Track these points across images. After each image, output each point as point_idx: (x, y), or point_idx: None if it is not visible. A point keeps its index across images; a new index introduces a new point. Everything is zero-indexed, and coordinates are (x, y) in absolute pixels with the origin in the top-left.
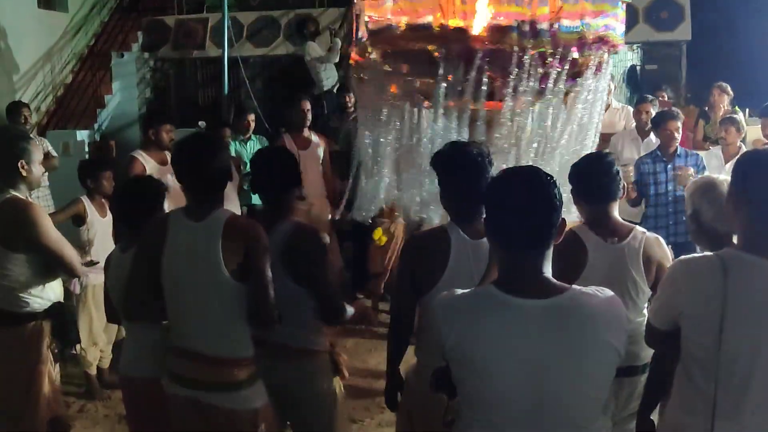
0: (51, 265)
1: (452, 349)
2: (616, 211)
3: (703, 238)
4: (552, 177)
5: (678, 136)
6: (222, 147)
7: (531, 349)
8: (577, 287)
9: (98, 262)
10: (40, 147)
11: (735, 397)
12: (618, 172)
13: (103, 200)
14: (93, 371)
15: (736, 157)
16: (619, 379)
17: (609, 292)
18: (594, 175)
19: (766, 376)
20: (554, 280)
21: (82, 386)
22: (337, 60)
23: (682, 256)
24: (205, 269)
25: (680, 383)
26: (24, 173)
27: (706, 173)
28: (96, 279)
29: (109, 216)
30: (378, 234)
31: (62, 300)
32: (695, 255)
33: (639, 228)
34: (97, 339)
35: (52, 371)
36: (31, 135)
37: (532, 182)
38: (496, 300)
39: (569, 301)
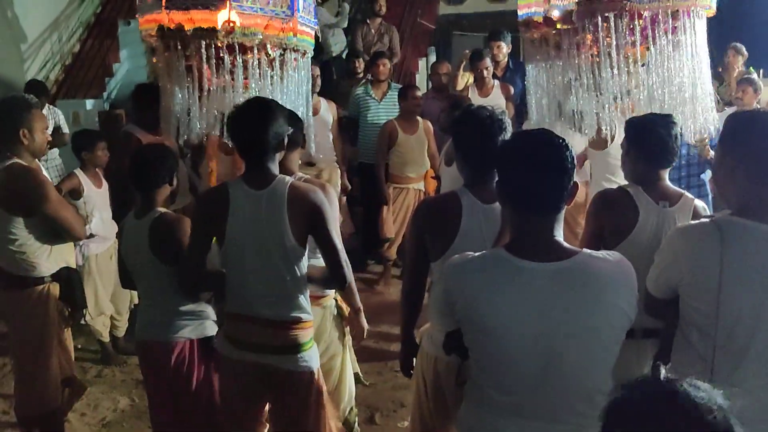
0: (55, 230)
1: (462, 311)
2: (667, 175)
3: None
4: (564, 140)
5: None
6: (277, 112)
7: (540, 312)
8: (587, 251)
9: (97, 235)
10: (44, 115)
11: (734, 361)
12: (675, 136)
13: (97, 171)
14: (106, 338)
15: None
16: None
17: (618, 256)
18: (658, 136)
19: (766, 340)
20: (565, 244)
21: (98, 353)
22: (345, 25)
23: (679, 224)
24: (271, 237)
25: (678, 349)
26: (26, 141)
27: None
28: (97, 249)
29: (105, 186)
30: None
31: (73, 266)
32: (691, 222)
33: (688, 194)
34: (104, 308)
35: (62, 334)
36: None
37: (544, 145)
38: (506, 263)
39: (578, 264)
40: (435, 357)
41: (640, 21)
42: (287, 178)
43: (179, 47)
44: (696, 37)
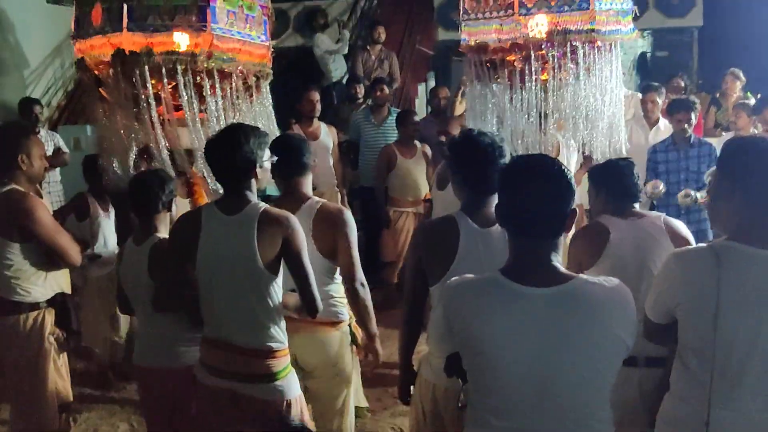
0: (51, 256)
1: (459, 334)
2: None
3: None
4: (563, 166)
5: (687, 126)
6: (249, 137)
7: (534, 337)
8: (584, 276)
9: (101, 256)
10: (41, 141)
11: (731, 385)
12: (636, 176)
13: (105, 195)
14: (105, 362)
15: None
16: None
17: (616, 281)
18: (627, 179)
19: (762, 364)
20: (562, 269)
21: (97, 377)
22: (346, 51)
23: (676, 249)
24: (240, 263)
25: (677, 373)
26: (24, 167)
27: None
28: (99, 271)
29: (112, 211)
30: None
31: (68, 291)
32: (688, 247)
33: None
34: (104, 332)
35: (57, 360)
36: (42, 130)
37: (544, 171)
38: (502, 287)
39: (574, 290)
40: (433, 384)
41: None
42: (261, 204)
43: (138, 76)
44: (612, 65)
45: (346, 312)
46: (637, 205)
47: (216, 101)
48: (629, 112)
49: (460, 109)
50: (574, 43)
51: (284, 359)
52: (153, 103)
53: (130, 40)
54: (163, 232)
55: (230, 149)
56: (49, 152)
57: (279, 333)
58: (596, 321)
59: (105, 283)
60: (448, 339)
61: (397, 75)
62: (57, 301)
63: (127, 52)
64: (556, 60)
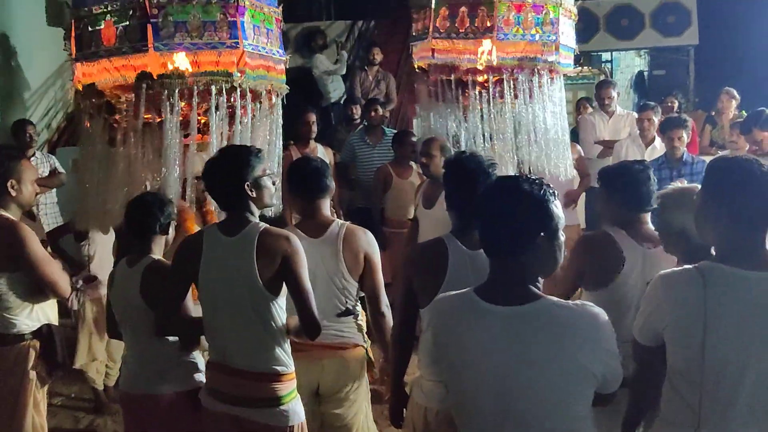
0: (39, 286)
1: (436, 352)
2: (648, 218)
3: (689, 253)
4: (541, 187)
5: (680, 143)
6: (250, 158)
7: (497, 354)
8: (553, 298)
9: (97, 277)
10: (33, 166)
11: (722, 409)
12: (652, 179)
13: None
14: (100, 386)
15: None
16: None
17: (591, 309)
18: (639, 182)
19: (754, 388)
20: (533, 289)
21: (91, 402)
22: (344, 72)
23: (662, 271)
24: (240, 284)
25: (667, 396)
26: (14, 193)
27: None
28: (93, 294)
29: (111, 233)
30: None
31: (55, 322)
32: (674, 269)
33: None
34: (97, 354)
35: (37, 394)
36: (38, 152)
37: (513, 191)
38: (473, 304)
39: (538, 310)
40: (425, 407)
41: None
42: (261, 224)
43: (166, 99)
44: (554, 91)
45: (362, 335)
46: (648, 216)
47: (245, 122)
48: (625, 131)
49: None
50: (541, 71)
51: (290, 383)
52: (176, 127)
53: (157, 61)
54: (158, 255)
55: (222, 170)
56: (45, 174)
57: (284, 356)
58: (558, 344)
59: (99, 306)
60: (436, 357)
61: (394, 96)
62: (43, 333)
63: (155, 75)
64: (525, 84)
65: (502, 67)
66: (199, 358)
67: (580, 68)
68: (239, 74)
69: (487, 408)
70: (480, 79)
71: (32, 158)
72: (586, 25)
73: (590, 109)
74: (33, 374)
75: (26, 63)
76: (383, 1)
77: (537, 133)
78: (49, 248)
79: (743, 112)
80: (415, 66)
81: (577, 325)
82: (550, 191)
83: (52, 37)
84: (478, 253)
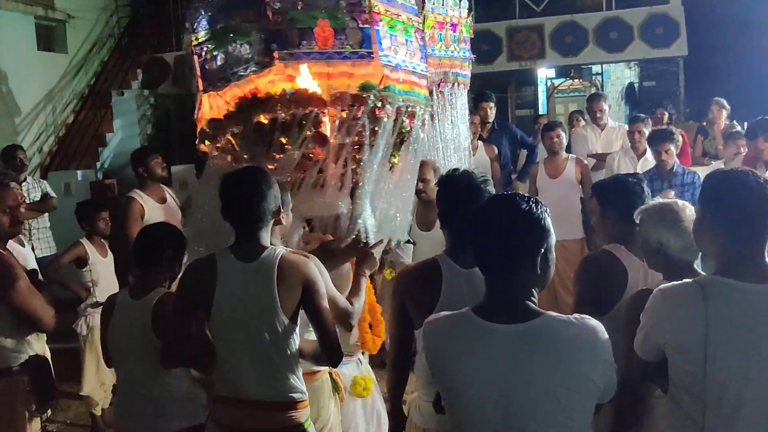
0: (24, 320)
1: (434, 370)
2: None
3: (669, 269)
4: (537, 204)
5: (667, 156)
6: (270, 181)
7: (499, 373)
8: (553, 313)
9: (102, 303)
10: (14, 192)
11: (726, 422)
12: (646, 191)
13: (102, 240)
14: (98, 411)
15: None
16: None
17: (590, 322)
18: (635, 195)
19: (758, 401)
20: (533, 306)
21: (87, 427)
22: None
23: (662, 285)
24: (261, 312)
25: (670, 410)
26: None
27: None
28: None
29: (110, 255)
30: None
31: (42, 353)
32: (674, 283)
33: None
34: (105, 379)
35: (32, 427)
36: (29, 177)
37: (508, 209)
38: (471, 324)
39: (539, 327)
40: (423, 429)
41: None
42: (278, 249)
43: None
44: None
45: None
46: None
47: (385, 145)
48: (617, 144)
49: None
50: (460, 84)
51: (306, 410)
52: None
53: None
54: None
55: (253, 194)
56: (36, 199)
57: (299, 383)
58: (561, 359)
59: None
60: (433, 380)
61: None
62: (33, 365)
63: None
64: (445, 96)
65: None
66: (201, 392)
67: (571, 81)
68: (378, 91)
69: (492, 428)
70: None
71: (23, 183)
72: (576, 39)
73: (582, 122)
74: (23, 409)
75: (16, 88)
76: None
77: (457, 143)
78: (40, 276)
79: (734, 122)
80: None
81: (579, 340)
82: (543, 207)
83: (42, 61)
84: (473, 271)
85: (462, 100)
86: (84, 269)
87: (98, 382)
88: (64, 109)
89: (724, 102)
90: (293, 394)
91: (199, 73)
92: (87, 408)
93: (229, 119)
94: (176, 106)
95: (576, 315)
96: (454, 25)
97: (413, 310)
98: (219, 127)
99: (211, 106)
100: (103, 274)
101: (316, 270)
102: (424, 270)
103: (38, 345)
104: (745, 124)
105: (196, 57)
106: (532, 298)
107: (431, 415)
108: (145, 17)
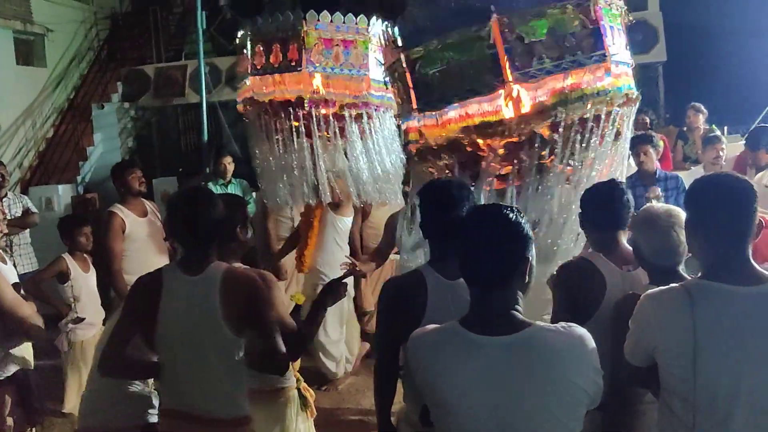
0: (11, 331)
1: (421, 385)
2: (624, 239)
3: (651, 273)
4: (519, 213)
5: (646, 158)
6: (216, 199)
7: (491, 386)
8: (540, 323)
9: (85, 318)
10: None
11: (719, 426)
12: (627, 199)
13: (85, 255)
14: None
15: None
16: None
17: (577, 330)
18: (609, 201)
19: (749, 404)
20: (520, 317)
21: None
22: None
23: (649, 291)
24: (204, 325)
25: (662, 416)
26: None
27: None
28: (84, 335)
29: (93, 270)
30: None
31: (30, 366)
32: (661, 288)
33: None
34: None
35: None
36: (9, 193)
37: (495, 220)
38: (459, 337)
39: (528, 338)
40: None
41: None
42: (223, 264)
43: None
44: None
45: (289, 376)
46: (624, 235)
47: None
48: None
49: None
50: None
51: (248, 427)
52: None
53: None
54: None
55: (199, 213)
56: (18, 214)
57: (244, 399)
58: (552, 368)
59: (90, 346)
60: (421, 395)
61: None
62: (19, 378)
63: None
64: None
65: (326, 102)
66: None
67: None
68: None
69: None
70: (324, 112)
71: (4, 199)
72: None
73: None
74: (10, 420)
75: None
76: None
77: (372, 166)
78: (22, 291)
79: (713, 126)
80: (240, 108)
81: (568, 348)
82: (522, 215)
83: (21, 76)
84: (458, 282)
85: (381, 122)
86: (66, 284)
87: (80, 398)
88: (44, 124)
89: (701, 106)
90: (238, 411)
91: (413, 91)
92: (71, 426)
93: (442, 148)
94: (157, 118)
95: (563, 323)
96: (347, 42)
97: (399, 323)
98: (432, 152)
99: (425, 125)
100: (85, 289)
101: (262, 284)
102: (409, 282)
103: (28, 356)
104: (725, 128)
105: (408, 74)
106: (518, 306)
107: (420, 426)
108: (125, 30)
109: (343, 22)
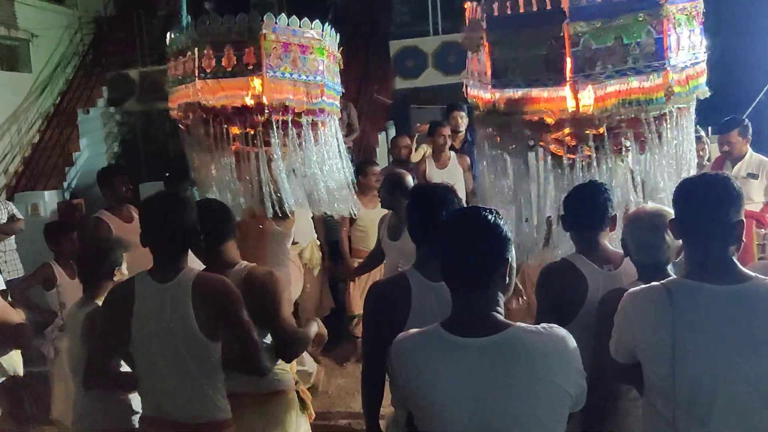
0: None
1: (404, 388)
2: (606, 239)
3: (639, 270)
4: (494, 218)
5: None
6: (188, 205)
7: (472, 387)
8: (521, 324)
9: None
10: None
11: (700, 423)
12: (606, 200)
13: (71, 262)
14: None
15: None
16: None
17: (558, 331)
18: (587, 202)
19: (729, 401)
20: (500, 318)
21: None
22: None
23: (631, 289)
24: (177, 332)
25: (645, 412)
26: None
27: None
28: (69, 342)
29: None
30: None
31: (20, 373)
32: (642, 286)
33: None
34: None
35: None
36: None
37: (475, 223)
38: (441, 339)
39: (509, 339)
40: None
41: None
42: (194, 269)
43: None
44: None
45: (288, 378)
46: (605, 235)
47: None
48: None
49: (416, 156)
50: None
51: (231, 430)
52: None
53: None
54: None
55: (170, 217)
56: (3, 221)
57: (223, 402)
58: (533, 369)
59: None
60: (403, 399)
61: (356, 125)
62: (8, 387)
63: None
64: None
65: (271, 108)
66: (135, 400)
67: None
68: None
69: None
70: (283, 118)
71: None
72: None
73: None
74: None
75: None
76: (340, 31)
77: (327, 175)
78: (9, 298)
79: (698, 126)
80: (175, 114)
81: (549, 349)
82: (500, 217)
83: (5, 81)
84: (441, 285)
85: (328, 129)
86: (51, 291)
87: (68, 405)
88: (30, 129)
89: None
90: (215, 414)
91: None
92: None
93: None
94: (143, 122)
95: (544, 324)
96: (304, 47)
97: (384, 326)
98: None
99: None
100: (71, 296)
101: (232, 287)
102: (394, 285)
103: (17, 364)
104: (709, 129)
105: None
106: (499, 308)
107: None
108: (109, 34)
109: (300, 26)
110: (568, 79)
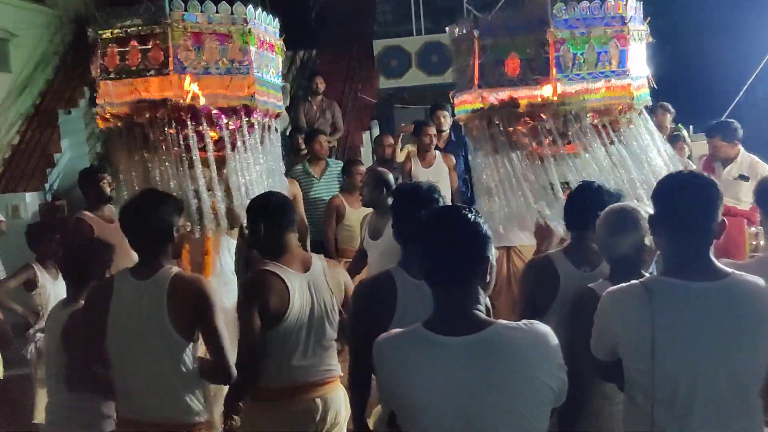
0: None
1: (387, 389)
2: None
3: (611, 269)
4: (473, 215)
5: None
6: (167, 202)
7: (455, 386)
8: (503, 321)
9: None
10: None
11: (680, 419)
12: (593, 201)
13: (53, 263)
14: None
15: None
16: None
17: (540, 327)
18: (575, 202)
19: (708, 396)
20: (482, 315)
21: None
22: (287, 104)
23: (610, 287)
24: (152, 330)
25: (627, 409)
26: None
27: None
28: None
29: (62, 278)
30: None
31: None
32: (621, 285)
33: None
34: None
35: None
36: None
37: (457, 220)
38: (423, 338)
39: (491, 337)
40: None
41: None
42: (174, 268)
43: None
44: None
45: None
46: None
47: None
48: None
49: (401, 156)
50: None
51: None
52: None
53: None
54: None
55: (148, 214)
56: None
57: (197, 404)
58: (516, 366)
59: None
60: (387, 399)
61: (341, 124)
62: None
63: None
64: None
65: (202, 109)
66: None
67: None
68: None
69: None
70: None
71: None
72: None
73: None
74: None
75: None
76: (324, 30)
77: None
78: None
79: (680, 125)
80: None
81: (531, 345)
82: (480, 215)
83: None
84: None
85: (268, 131)
86: (33, 292)
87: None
88: (10, 130)
89: (669, 106)
90: (190, 416)
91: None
92: None
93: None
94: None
95: (525, 321)
96: (220, 36)
97: (370, 325)
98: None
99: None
100: (53, 297)
101: (211, 289)
102: (378, 283)
103: None
104: (691, 128)
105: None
106: (480, 306)
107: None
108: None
109: (216, 12)
110: (551, 78)
